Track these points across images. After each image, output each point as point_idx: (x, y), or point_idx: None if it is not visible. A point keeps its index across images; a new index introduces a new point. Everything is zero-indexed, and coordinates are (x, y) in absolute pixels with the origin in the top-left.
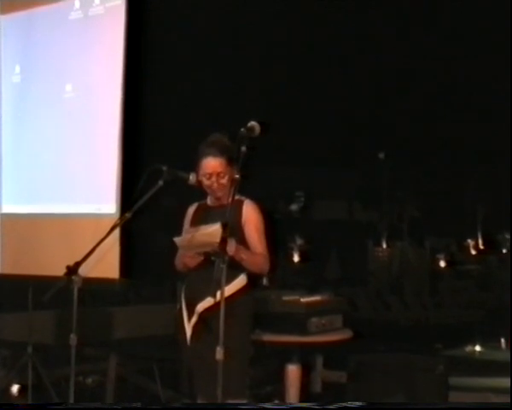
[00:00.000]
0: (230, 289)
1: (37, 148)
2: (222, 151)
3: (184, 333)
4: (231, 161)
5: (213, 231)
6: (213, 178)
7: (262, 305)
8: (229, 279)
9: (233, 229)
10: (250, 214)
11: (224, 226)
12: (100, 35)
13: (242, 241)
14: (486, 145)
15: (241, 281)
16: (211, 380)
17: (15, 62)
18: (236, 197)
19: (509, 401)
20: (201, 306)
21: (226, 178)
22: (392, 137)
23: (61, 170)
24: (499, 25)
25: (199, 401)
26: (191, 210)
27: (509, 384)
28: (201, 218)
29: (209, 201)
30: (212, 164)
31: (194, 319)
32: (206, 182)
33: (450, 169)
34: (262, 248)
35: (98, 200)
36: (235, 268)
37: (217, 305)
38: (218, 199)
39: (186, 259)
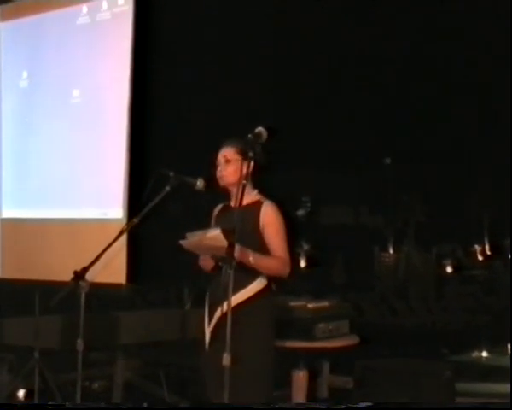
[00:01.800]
0: (248, 292)
1: (44, 153)
2: (233, 141)
3: (204, 338)
4: (242, 152)
5: (214, 235)
6: (221, 165)
7: None
8: (246, 283)
9: (250, 231)
10: (268, 216)
11: (230, 232)
12: (107, 40)
13: (261, 243)
14: (493, 151)
15: (258, 284)
16: (225, 386)
17: (23, 67)
18: (257, 198)
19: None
20: (220, 311)
21: (234, 166)
22: (399, 142)
23: (68, 175)
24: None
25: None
26: (216, 211)
27: None
28: (222, 219)
29: (232, 202)
30: (221, 152)
31: (212, 323)
32: (217, 173)
33: (456, 174)
34: (281, 250)
35: (105, 205)
36: (252, 272)
37: (232, 309)
38: (228, 196)
39: (201, 262)
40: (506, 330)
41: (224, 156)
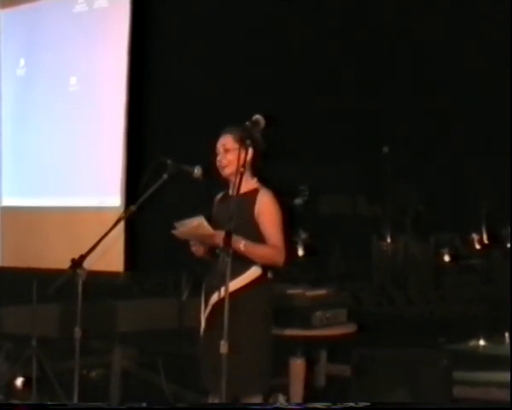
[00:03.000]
0: (242, 280)
1: (42, 141)
2: (231, 129)
3: (199, 325)
4: (242, 140)
5: (198, 224)
6: (221, 154)
7: None
8: (241, 271)
9: (247, 219)
10: (264, 205)
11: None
12: (104, 28)
13: (257, 231)
14: (492, 139)
15: (254, 272)
16: (221, 374)
17: (20, 55)
18: (254, 186)
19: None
20: (214, 298)
21: (233, 155)
22: (397, 131)
23: (65, 163)
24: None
25: (209, 396)
26: (216, 199)
27: None
28: (221, 207)
29: (230, 190)
30: (220, 141)
31: (207, 310)
32: (217, 162)
33: (454, 163)
34: (276, 239)
35: (102, 193)
36: (247, 260)
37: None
38: (228, 184)
39: (192, 248)
40: (504, 318)
41: (223, 145)
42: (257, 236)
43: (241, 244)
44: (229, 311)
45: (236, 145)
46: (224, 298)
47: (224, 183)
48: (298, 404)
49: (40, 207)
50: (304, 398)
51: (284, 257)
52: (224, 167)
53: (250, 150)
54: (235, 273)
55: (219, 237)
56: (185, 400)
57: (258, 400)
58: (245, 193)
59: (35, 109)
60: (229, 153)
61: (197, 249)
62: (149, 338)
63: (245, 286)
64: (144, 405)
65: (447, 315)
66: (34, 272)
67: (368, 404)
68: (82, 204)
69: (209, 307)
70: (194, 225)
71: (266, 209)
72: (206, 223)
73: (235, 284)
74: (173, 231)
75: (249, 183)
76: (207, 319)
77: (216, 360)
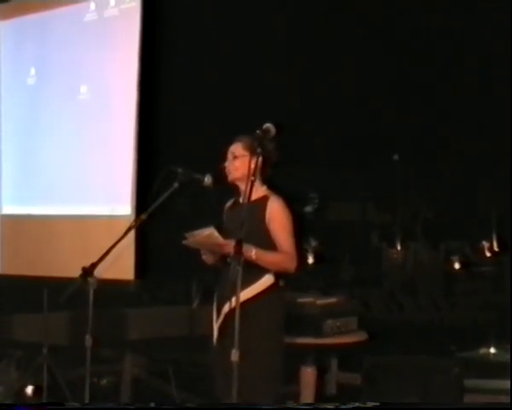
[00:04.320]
0: (255, 288)
1: (53, 149)
2: (242, 138)
3: (212, 334)
4: (251, 148)
5: (209, 234)
6: (229, 161)
7: None
8: (253, 279)
9: (257, 226)
10: (274, 211)
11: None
12: (115, 37)
13: (268, 239)
14: (503, 146)
15: (267, 281)
16: (233, 382)
17: (30, 64)
18: (264, 193)
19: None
20: (226, 307)
21: (240, 162)
22: (407, 138)
23: (76, 171)
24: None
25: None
26: (226, 207)
27: None
28: (231, 215)
29: (241, 198)
30: (231, 147)
31: (220, 319)
32: (225, 167)
33: (464, 170)
34: (287, 245)
35: (113, 201)
36: (259, 268)
37: (240, 305)
38: (238, 192)
39: (203, 256)
40: None
41: (232, 153)
42: (268, 243)
43: (252, 252)
44: (242, 319)
45: (245, 152)
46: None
47: (233, 190)
48: (306, 404)
49: (51, 215)
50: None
51: (296, 263)
52: (230, 173)
53: (260, 158)
54: (248, 282)
55: (230, 246)
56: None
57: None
58: (255, 200)
59: (45, 118)
60: (237, 159)
61: (207, 258)
62: (160, 346)
63: (258, 294)
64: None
65: (458, 322)
66: (45, 280)
67: (377, 404)
68: (93, 213)
69: (222, 316)
70: (205, 235)
71: (277, 216)
72: (216, 233)
73: (247, 292)
74: (184, 242)
75: (259, 190)
76: (220, 328)
77: (228, 368)
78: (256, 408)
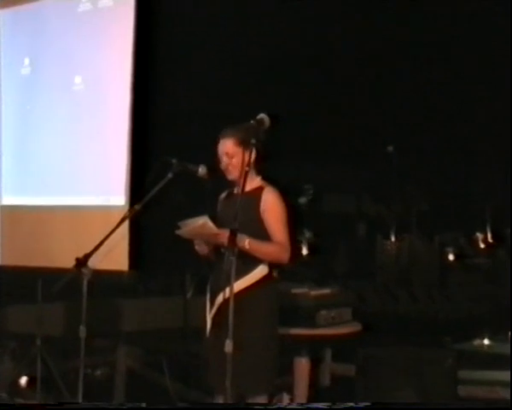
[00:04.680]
0: (249, 279)
1: (47, 140)
2: (233, 132)
3: (205, 324)
4: (244, 142)
5: (202, 224)
6: (225, 160)
7: None
8: (247, 270)
9: (252, 217)
10: (269, 202)
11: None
12: (109, 27)
13: (262, 229)
14: (496, 138)
15: (261, 271)
16: (226, 373)
17: (24, 54)
18: (259, 184)
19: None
20: (220, 297)
21: (237, 159)
22: (402, 130)
23: (70, 162)
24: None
25: (215, 395)
26: (221, 198)
27: None
28: (226, 206)
29: (236, 189)
30: (222, 145)
31: (213, 310)
32: (220, 166)
33: (459, 162)
34: (281, 237)
35: (107, 192)
36: (253, 259)
37: (234, 296)
38: (233, 183)
39: (196, 247)
40: (507, 317)
41: (226, 153)
42: (262, 233)
43: (246, 242)
44: (236, 310)
45: (238, 149)
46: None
47: (228, 181)
48: (300, 404)
49: (45, 206)
50: (308, 397)
51: (289, 254)
52: (229, 173)
53: (254, 150)
54: (242, 272)
55: (224, 235)
56: (190, 399)
57: (263, 399)
58: (250, 191)
59: (39, 108)
60: (234, 158)
61: (201, 248)
62: (154, 337)
63: (251, 285)
64: (144, 405)
65: (452, 314)
66: (39, 271)
67: (368, 404)
68: (87, 203)
69: (215, 307)
70: (199, 225)
71: (272, 207)
72: (210, 222)
73: (241, 283)
74: (177, 232)
75: (254, 181)
76: (214, 319)
77: (223, 359)
78: (248, 408)
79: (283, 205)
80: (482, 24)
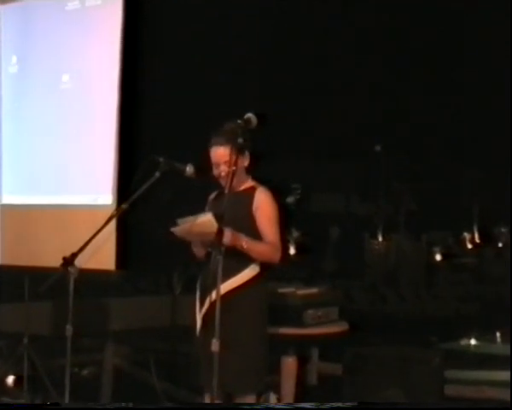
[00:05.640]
0: (240, 278)
1: (34, 138)
2: (228, 140)
3: (195, 323)
4: (232, 147)
5: (205, 220)
6: (221, 168)
7: None
8: (238, 269)
9: (244, 216)
10: (261, 202)
11: (220, 217)
12: (97, 25)
13: (253, 229)
14: (484, 138)
15: (251, 271)
16: (216, 372)
17: (12, 52)
18: (251, 184)
19: (506, 396)
20: (211, 297)
21: (229, 164)
22: (389, 129)
23: (57, 161)
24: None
25: (204, 394)
26: (211, 198)
27: (503, 378)
28: (216, 205)
29: (226, 189)
30: (218, 153)
31: (203, 309)
32: (214, 171)
33: (447, 162)
34: (272, 236)
35: (95, 191)
36: (244, 258)
37: (223, 296)
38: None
39: (194, 249)
40: (495, 317)
41: (219, 162)
42: (253, 233)
43: (244, 242)
44: (227, 309)
45: (231, 155)
46: (220, 296)
47: (216, 181)
48: (287, 404)
49: (32, 204)
50: (295, 397)
51: (280, 254)
52: (225, 180)
53: (246, 152)
54: (232, 271)
55: (227, 235)
56: (178, 398)
57: (252, 398)
58: (242, 190)
59: (27, 107)
60: (226, 164)
61: (198, 250)
62: (141, 336)
63: (242, 284)
64: (131, 405)
65: (439, 314)
66: (26, 270)
67: (355, 404)
68: (74, 202)
69: (206, 306)
70: (201, 222)
71: (264, 207)
72: (214, 220)
73: (232, 282)
74: (173, 229)
75: (245, 181)
76: (204, 318)
77: (211, 358)
78: (236, 408)
79: (276, 205)
80: (472, 22)
